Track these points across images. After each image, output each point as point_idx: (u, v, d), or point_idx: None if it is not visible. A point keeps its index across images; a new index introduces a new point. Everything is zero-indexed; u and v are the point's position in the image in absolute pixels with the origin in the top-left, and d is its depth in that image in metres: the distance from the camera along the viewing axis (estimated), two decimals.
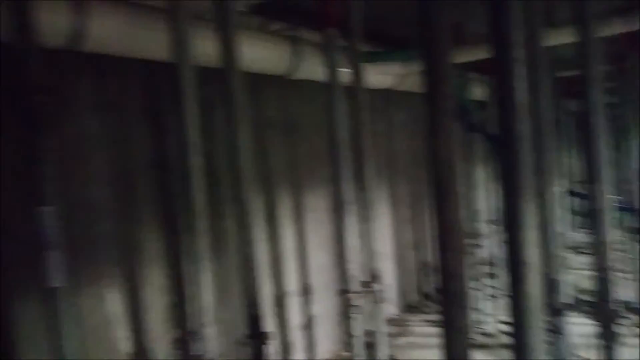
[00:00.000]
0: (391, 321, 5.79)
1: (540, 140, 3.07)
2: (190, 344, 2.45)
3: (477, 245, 5.44)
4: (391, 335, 5.39)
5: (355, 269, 3.61)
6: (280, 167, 4.56)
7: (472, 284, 5.42)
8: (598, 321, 2.72)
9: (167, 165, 3.34)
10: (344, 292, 3.62)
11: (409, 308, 6.19)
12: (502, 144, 1.48)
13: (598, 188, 2.74)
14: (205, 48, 3.02)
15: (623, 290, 5.97)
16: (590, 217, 2.85)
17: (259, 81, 4.29)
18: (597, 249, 2.77)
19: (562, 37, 3.70)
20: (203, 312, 2.37)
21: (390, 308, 5.97)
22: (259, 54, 3.74)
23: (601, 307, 2.70)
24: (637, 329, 5.19)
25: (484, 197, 6.96)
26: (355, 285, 3.60)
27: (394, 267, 6.07)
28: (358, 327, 3.60)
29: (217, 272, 3.73)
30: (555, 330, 2.89)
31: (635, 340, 5.01)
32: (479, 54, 4.59)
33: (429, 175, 1.65)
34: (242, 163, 2.61)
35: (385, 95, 5.87)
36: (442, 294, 1.66)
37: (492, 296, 6.40)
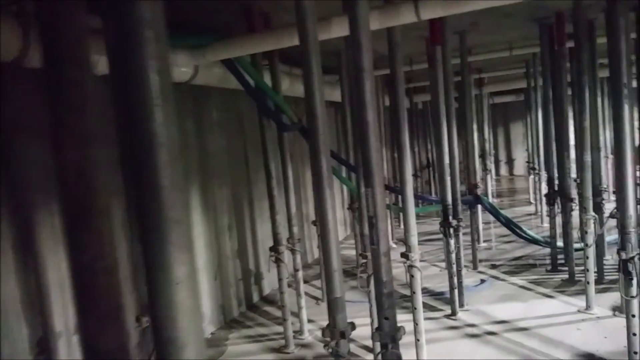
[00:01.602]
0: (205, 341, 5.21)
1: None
2: None
3: (296, 250, 5.09)
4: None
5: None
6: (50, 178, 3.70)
7: (291, 288, 5.08)
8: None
9: None
10: None
11: (230, 323, 5.67)
12: (130, 154, 0.99)
13: (372, 192, 2.44)
14: None
15: (441, 281, 6.18)
16: (368, 221, 2.55)
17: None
18: (375, 258, 2.48)
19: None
20: None
21: (206, 327, 5.40)
22: None
23: (378, 330, 2.42)
24: (449, 320, 5.30)
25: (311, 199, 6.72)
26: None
27: (209, 281, 5.49)
28: None
29: None
30: (339, 355, 2.56)
31: (448, 333, 5.08)
32: (285, 41, 4.20)
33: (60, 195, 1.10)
34: None
35: (194, 90, 5.24)
36: None
37: (317, 299, 6.19)
